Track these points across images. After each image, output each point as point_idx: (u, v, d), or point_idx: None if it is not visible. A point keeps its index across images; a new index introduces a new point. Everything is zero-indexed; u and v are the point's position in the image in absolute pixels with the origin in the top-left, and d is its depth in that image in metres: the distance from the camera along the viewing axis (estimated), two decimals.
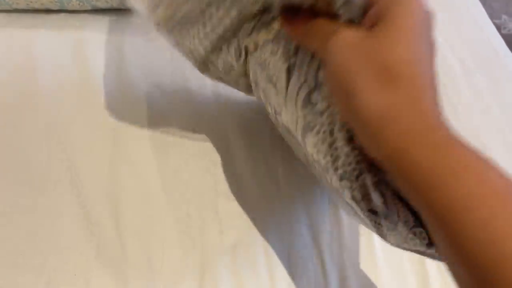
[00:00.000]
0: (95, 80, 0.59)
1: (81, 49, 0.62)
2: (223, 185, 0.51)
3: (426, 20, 0.30)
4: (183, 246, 0.46)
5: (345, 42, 0.28)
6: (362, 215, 0.32)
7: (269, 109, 0.41)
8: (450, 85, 0.64)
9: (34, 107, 0.55)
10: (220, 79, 0.47)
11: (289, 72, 0.36)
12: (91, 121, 0.54)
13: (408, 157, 0.26)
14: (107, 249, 0.45)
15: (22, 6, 0.64)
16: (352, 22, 0.30)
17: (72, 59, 0.61)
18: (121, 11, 0.67)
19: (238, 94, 0.50)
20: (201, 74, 0.55)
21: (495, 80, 0.66)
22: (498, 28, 1.62)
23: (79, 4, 0.64)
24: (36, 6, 0.64)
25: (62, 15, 0.66)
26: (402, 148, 0.26)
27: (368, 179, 0.31)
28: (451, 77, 0.65)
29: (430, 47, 0.30)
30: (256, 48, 0.38)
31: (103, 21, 0.66)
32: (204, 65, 0.44)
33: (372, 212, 0.31)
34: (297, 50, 0.35)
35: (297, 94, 0.35)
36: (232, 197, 0.50)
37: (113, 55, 0.62)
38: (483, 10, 0.79)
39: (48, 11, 0.66)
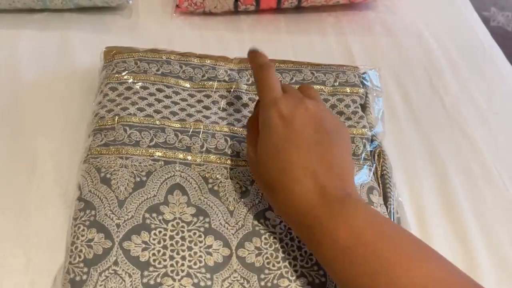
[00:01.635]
0: (79, 78, 0.58)
1: (65, 48, 0.62)
2: None
3: (285, 127, 0.37)
4: None
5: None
6: None
7: None
8: (435, 77, 0.64)
9: (18, 106, 0.55)
10: None
11: None
12: (76, 119, 0.54)
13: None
14: None
15: (4, 6, 0.64)
16: None
17: (56, 58, 0.60)
18: (104, 10, 0.66)
19: None
20: None
21: (481, 72, 0.67)
22: (487, 20, 1.62)
23: (61, 3, 0.64)
24: (19, 5, 0.64)
25: (45, 14, 0.65)
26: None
27: None
28: (436, 69, 0.65)
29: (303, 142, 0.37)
30: None
31: (87, 19, 0.66)
32: None
33: None
34: None
35: None
36: None
37: (97, 54, 0.61)
38: (468, 2, 0.79)
39: (31, 10, 0.65)
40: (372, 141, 0.50)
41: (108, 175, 0.43)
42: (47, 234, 0.45)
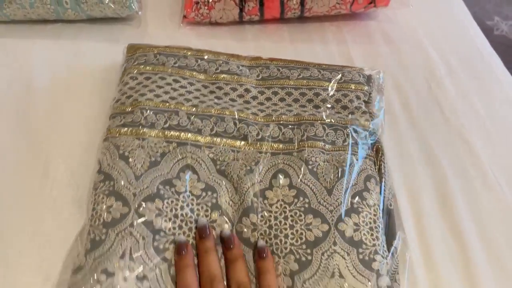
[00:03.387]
0: (90, 85, 0.61)
1: (76, 57, 0.64)
2: None
3: None
4: None
5: None
6: None
7: None
8: (434, 84, 0.66)
9: (31, 113, 0.57)
10: None
11: None
12: (87, 124, 0.56)
13: None
14: None
15: (19, 17, 0.67)
16: None
17: (68, 66, 0.63)
18: (114, 20, 0.69)
19: None
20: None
21: (480, 79, 0.68)
22: (491, 29, 1.64)
23: (74, 14, 0.67)
24: (33, 17, 0.67)
25: (59, 25, 0.68)
26: None
27: None
28: (435, 76, 0.67)
29: None
30: None
31: (98, 30, 0.69)
32: None
33: None
34: None
35: None
36: None
37: (108, 63, 0.64)
38: (467, 11, 0.81)
39: (44, 21, 0.68)
40: (372, 134, 0.53)
41: (126, 153, 0.47)
42: (60, 234, 0.47)
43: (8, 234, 0.47)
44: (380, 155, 0.51)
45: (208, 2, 0.68)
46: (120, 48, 0.66)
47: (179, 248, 0.42)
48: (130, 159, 0.46)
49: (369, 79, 0.59)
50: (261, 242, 0.44)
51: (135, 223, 0.42)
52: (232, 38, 0.70)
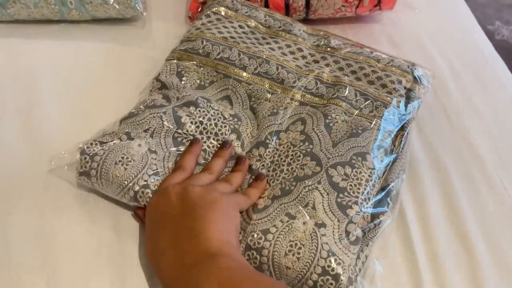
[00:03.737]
0: (94, 89, 0.61)
1: (80, 57, 0.64)
2: None
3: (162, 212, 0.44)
4: None
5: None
6: None
7: None
8: (439, 87, 0.66)
9: (34, 113, 0.57)
10: None
11: None
12: (91, 128, 0.56)
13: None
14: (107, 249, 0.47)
15: (23, 17, 0.66)
16: None
17: (73, 68, 0.63)
18: (119, 21, 0.69)
19: None
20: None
21: (484, 84, 0.68)
22: (492, 34, 1.64)
23: (78, 15, 0.66)
24: (37, 17, 0.66)
25: (63, 25, 0.68)
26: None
27: None
28: (440, 79, 0.67)
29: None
30: None
31: (102, 30, 0.68)
32: None
33: None
34: None
35: None
36: None
37: (112, 64, 0.64)
38: (472, 15, 0.81)
39: (49, 21, 0.68)
40: (401, 115, 0.55)
41: (182, 72, 0.56)
42: (63, 235, 0.47)
43: (11, 234, 0.47)
44: (403, 135, 0.54)
45: None
46: (124, 49, 0.66)
47: (193, 141, 0.50)
48: (184, 78, 0.56)
49: (416, 73, 0.60)
50: (263, 171, 0.50)
51: (167, 113, 0.50)
52: None
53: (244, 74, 0.56)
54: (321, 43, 0.63)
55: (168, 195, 0.43)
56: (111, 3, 0.65)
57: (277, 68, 0.56)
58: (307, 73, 0.57)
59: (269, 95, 0.55)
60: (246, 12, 0.64)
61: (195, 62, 0.57)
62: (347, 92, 0.55)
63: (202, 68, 0.56)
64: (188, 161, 0.48)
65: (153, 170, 0.47)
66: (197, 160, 0.50)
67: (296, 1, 0.68)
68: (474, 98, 0.66)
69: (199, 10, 0.69)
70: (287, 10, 0.69)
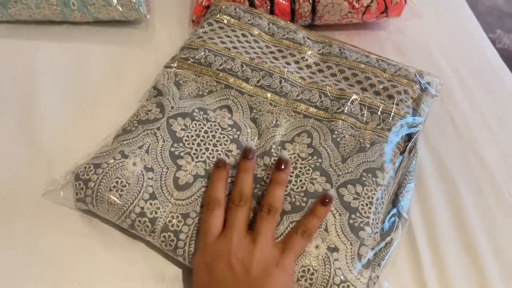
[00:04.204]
0: (96, 91, 0.59)
1: (82, 60, 0.63)
2: None
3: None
4: None
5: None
6: None
7: None
8: (445, 95, 0.65)
9: (35, 116, 0.56)
10: None
11: None
12: (91, 132, 0.55)
13: None
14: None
15: (24, 17, 0.65)
16: None
17: (74, 70, 0.61)
18: (121, 23, 0.68)
19: None
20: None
21: (491, 92, 0.67)
22: (493, 42, 1.64)
23: (81, 16, 0.65)
24: (39, 17, 0.65)
25: (64, 26, 0.67)
26: None
27: None
28: (447, 88, 0.66)
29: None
30: None
31: (104, 32, 0.67)
32: None
33: None
34: None
35: None
36: None
37: (114, 66, 0.63)
38: (478, 24, 0.80)
39: (50, 22, 0.66)
40: (409, 126, 0.54)
41: (180, 81, 0.54)
42: (61, 244, 0.46)
43: (10, 242, 0.45)
44: (411, 147, 0.53)
45: None
46: (126, 51, 0.65)
47: (219, 163, 0.46)
48: (181, 87, 0.54)
49: (423, 82, 0.59)
50: (285, 154, 0.47)
51: (161, 128, 0.48)
52: None
53: (247, 86, 0.54)
54: (326, 50, 0.61)
55: (231, 268, 0.39)
56: (114, 5, 0.64)
57: (280, 82, 0.55)
58: (311, 86, 0.56)
59: (271, 107, 0.53)
60: (249, 20, 0.63)
61: (194, 71, 0.55)
62: (353, 106, 0.53)
63: (201, 78, 0.55)
64: (219, 192, 0.44)
65: (149, 194, 0.45)
66: (227, 185, 0.46)
67: (302, 6, 0.67)
68: (481, 107, 0.65)
69: (203, 13, 0.68)
70: (293, 15, 0.68)
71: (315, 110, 0.53)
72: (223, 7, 0.64)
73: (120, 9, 0.64)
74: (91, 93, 0.59)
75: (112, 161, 0.45)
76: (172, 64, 0.56)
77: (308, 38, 0.63)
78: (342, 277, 0.41)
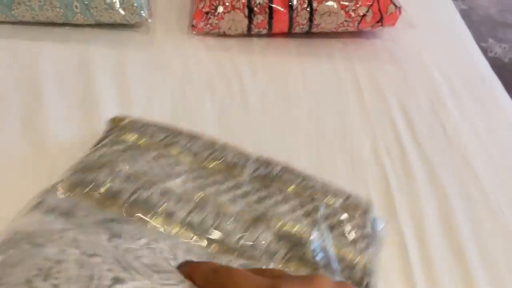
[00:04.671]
0: (97, 92, 0.61)
1: (84, 62, 0.64)
2: None
3: None
4: None
5: None
6: None
7: None
8: (437, 104, 0.67)
9: (37, 118, 0.57)
10: None
11: None
12: (93, 133, 0.56)
13: None
14: None
15: (27, 19, 0.66)
16: None
17: (76, 72, 0.63)
18: (123, 26, 0.69)
19: None
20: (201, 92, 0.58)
21: (482, 102, 0.69)
22: (485, 51, 1.67)
23: (83, 19, 0.66)
24: (42, 19, 0.66)
25: (66, 28, 0.68)
26: None
27: None
28: (438, 96, 0.68)
29: None
30: None
31: (106, 35, 0.69)
32: None
33: None
34: None
35: None
36: None
37: (115, 69, 0.64)
38: (469, 34, 0.82)
39: (52, 24, 0.68)
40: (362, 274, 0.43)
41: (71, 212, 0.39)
42: None
43: None
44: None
45: (218, 12, 0.68)
46: (127, 54, 0.67)
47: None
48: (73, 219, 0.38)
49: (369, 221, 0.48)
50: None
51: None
52: (240, 50, 0.71)
53: (171, 224, 0.40)
54: (263, 172, 0.48)
55: None
56: (117, 8, 0.65)
57: (214, 220, 0.42)
58: (253, 222, 0.43)
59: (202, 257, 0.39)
60: (162, 140, 0.48)
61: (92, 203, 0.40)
62: (304, 250, 0.42)
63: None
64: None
65: None
66: None
67: (300, 14, 0.69)
68: (472, 116, 0.67)
69: (202, 19, 0.69)
70: (291, 22, 0.70)
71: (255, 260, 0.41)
72: (126, 124, 0.49)
73: (122, 12, 0.66)
74: (93, 94, 0.60)
75: None
76: (61, 187, 0.42)
77: (242, 154, 0.49)
78: None
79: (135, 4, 0.65)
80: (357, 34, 0.75)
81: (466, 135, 0.64)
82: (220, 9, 0.68)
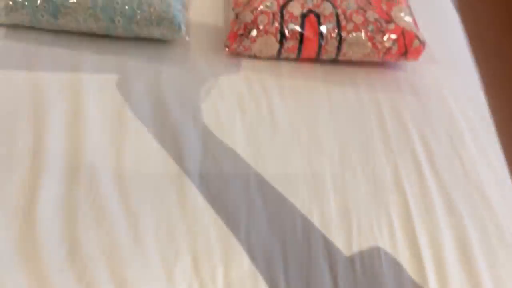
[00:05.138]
0: (134, 105, 0.63)
1: (121, 73, 0.67)
2: None
3: None
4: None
5: None
6: None
7: None
8: (456, 137, 0.70)
9: (79, 126, 0.60)
10: None
11: None
12: (129, 143, 0.59)
13: None
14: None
15: (70, 28, 0.69)
16: None
17: (115, 82, 0.66)
18: (160, 42, 0.72)
19: None
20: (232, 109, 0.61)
21: (497, 137, 0.72)
22: None
23: (123, 32, 0.69)
24: (84, 30, 0.69)
25: (106, 40, 0.71)
26: None
27: None
28: (457, 130, 0.71)
29: None
30: None
31: (143, 49, 0.72)
32: None
33: None
34: None
35: None
36: None
37: (151, 82, 0.67)
38: None
39: (93, 35, 0.71)
40: None
41: None
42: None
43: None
44: None
45: (251, 35, 0.72)
46: (162, 69, 0.70)
47: None
48: None
49: None
50: None
51: None
52: (269, 73, 0.73)
53: None
54: None
55: None
56: (157, 25, 0.68)
57: None
58: None
59: None
60: None
61: None
62: None
63: None
64: None
65: None
66: None
67: (329, 43, 0.72)
68: (487, 151, 0.69)
69: (236, 40, 0.72)
70: (319, 49, 0.74)
71: None
72: None
73: (163, 30, 0.69)
74: (129, 107, 0.63)
75: None
76: None
77: None
78: None
79: (175, 23, 0.69)
80: (380, 64, 0.78)
81: (482, 169, 0.66)
82: (254, 32, 0.72)
